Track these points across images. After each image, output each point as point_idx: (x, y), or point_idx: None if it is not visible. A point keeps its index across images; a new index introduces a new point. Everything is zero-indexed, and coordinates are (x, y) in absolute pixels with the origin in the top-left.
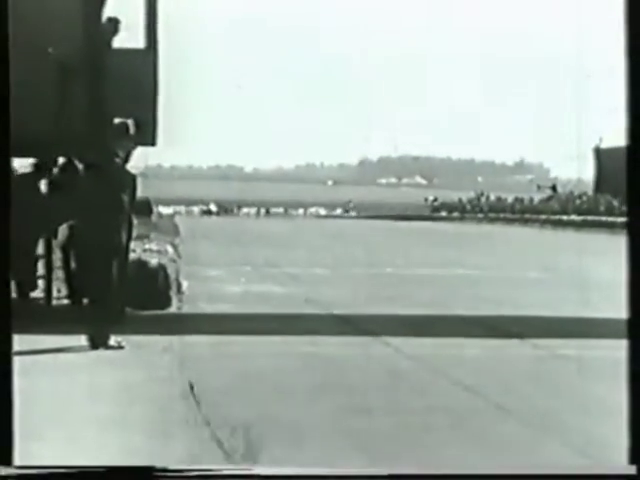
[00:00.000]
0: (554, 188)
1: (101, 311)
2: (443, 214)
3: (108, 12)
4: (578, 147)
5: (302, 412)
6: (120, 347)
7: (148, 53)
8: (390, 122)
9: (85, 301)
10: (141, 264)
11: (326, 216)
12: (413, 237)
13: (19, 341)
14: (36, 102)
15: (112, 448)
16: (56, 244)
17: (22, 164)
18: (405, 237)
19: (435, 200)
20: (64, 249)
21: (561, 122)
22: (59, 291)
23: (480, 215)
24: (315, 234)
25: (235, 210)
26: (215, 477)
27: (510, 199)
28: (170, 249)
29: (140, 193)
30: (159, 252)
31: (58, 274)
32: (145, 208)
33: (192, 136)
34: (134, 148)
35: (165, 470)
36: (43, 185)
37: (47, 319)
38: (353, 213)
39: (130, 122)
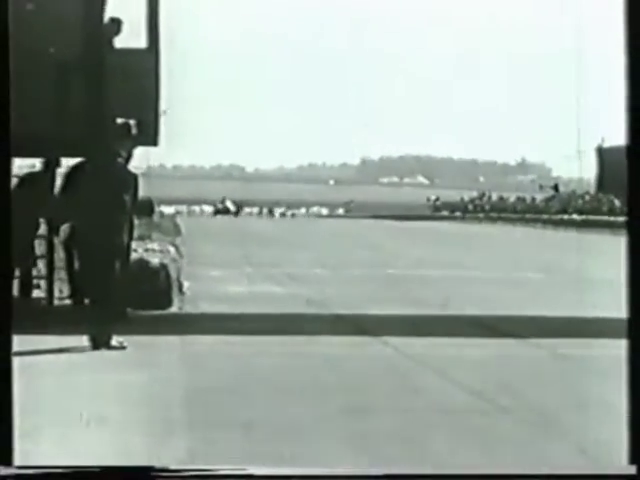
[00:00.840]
0: (556, 188)
1: (103, 311)
2: (445, 214)
3: (110, 12)
4: (579, 146)
5: (302, 412)
6: (122, 347)
7: (150, 53)
8: (390, 122)
9: (87, 301)
10: (143, 264)
11: (328, 215)
12: (415, 237)
13: (20, 341)
14: (37, 102)
15: (112, 448)
16: (58, 244)
17: (22, 164)
18: (407, 237)
19: (437, 199)
20: (67, 249)
21: (563, 121)
22: (61, 291)
23: (482, 215)
24: (316, 234)
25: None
26: (213, 477)
27: (512, 199)
28: (171, 249)
29: (142, 193)
30: (161, 252)
31: (60, 274)
32: (147, 208)
33: (195, 136)
34: (135, 148)
35: (163, 470)
36: (44, 185)
37: (49, 319)
38: (355, 212)
39: (132, 122)
